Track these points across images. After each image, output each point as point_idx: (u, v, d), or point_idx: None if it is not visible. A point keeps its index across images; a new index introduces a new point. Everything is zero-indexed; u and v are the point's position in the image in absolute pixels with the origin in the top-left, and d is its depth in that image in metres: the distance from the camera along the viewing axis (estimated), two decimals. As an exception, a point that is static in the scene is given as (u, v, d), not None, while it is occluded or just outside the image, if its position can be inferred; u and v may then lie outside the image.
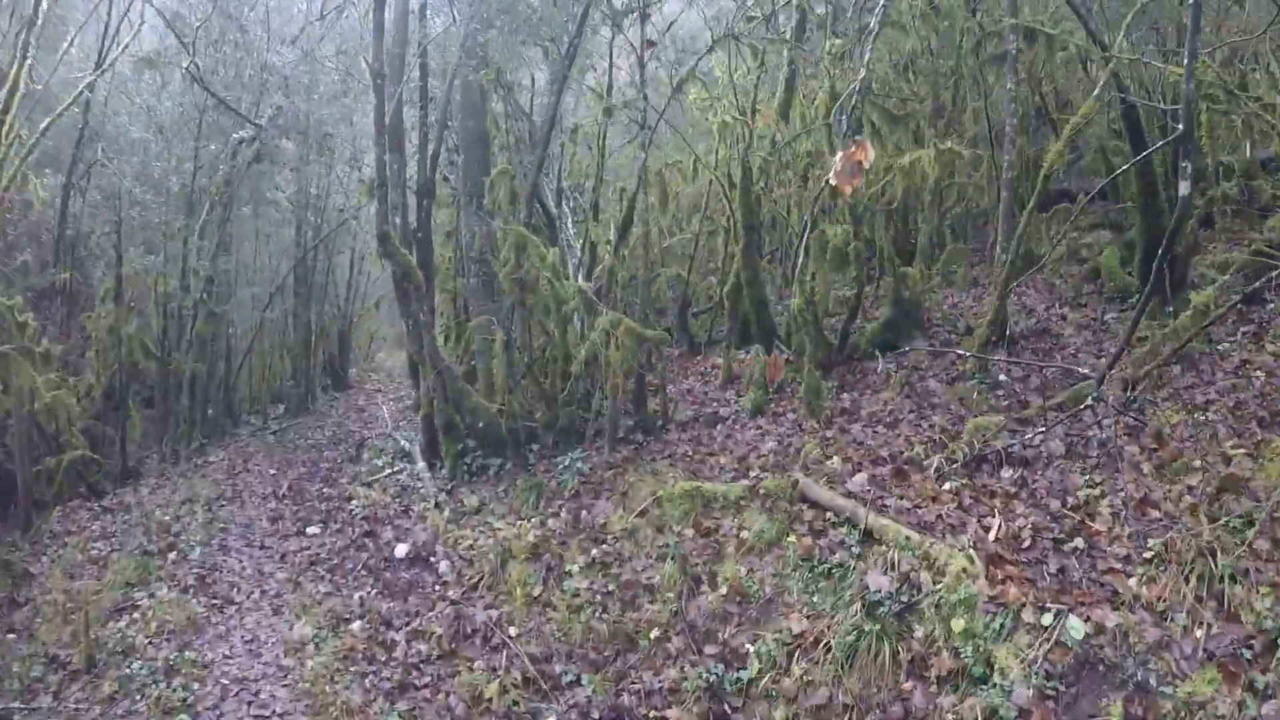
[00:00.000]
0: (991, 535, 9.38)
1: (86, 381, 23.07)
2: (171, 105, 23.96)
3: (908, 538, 9.37)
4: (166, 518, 16.40)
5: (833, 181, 6.32)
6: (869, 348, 15.65)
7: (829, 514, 10.51)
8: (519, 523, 12.80)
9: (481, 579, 11.84)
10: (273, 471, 20.51)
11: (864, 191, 14.66)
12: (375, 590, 12.33)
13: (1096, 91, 12.43)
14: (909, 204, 17.82)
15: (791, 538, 10.27)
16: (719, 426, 14.69)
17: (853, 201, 14.66)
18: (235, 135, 25.38)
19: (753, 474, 12.22)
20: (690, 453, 13.82)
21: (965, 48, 17.37)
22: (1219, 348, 12.43)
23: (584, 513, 12.58)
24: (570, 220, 20.03)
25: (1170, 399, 11.49)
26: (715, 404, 16.15)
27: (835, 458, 11.86)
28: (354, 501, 16.19)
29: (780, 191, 18.95)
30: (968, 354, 13.44)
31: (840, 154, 6.29)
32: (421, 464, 16.98)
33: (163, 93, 23.98)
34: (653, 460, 13.83)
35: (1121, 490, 9.67)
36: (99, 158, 22.21)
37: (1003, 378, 13.46)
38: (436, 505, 14.71)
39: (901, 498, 10.52)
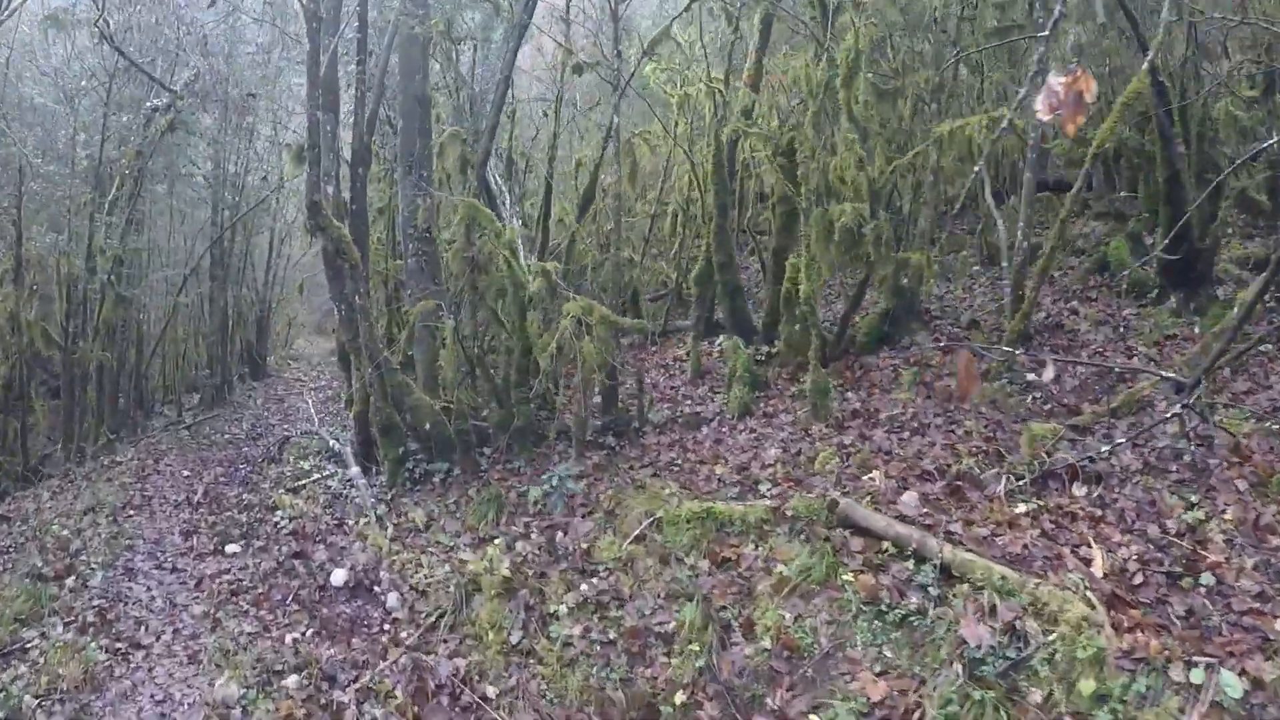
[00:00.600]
0: (1097, 570, 7.39)
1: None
2: (79, 69, 21.28)
3: (1002, 577, 7.25)
4: (65, 531, 13.91)
5: (1044, 118, 4.19)
6: (866, 341, 13.67)
7: (884, 544, 8.37)
8: (482, 547, 10.45)
9: (441, 617, 9.49)
10: (186, 473, 18.00)
11: (885, 167, 12.64)
12: (311, 629, 9.89)
13: (1146, 65, 10.39)
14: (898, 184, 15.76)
15: (847, 575, 8.09)
16: (703, 429, 12.69)
17: (860, 178, 12.66)
18: (149, 104, 22.85)
19: (763, 489, 10.22)
20: (677, 460, 11.76)
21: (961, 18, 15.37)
22: (1263, 349, 10.82)
23: (560, 534, 10.39)
24: (508, 198, 17.81)
25: (1230, 406, 9.76)
26: (689, 402, 14.08)
27: (876, 473, 9.78)
28: (279, 512, 13.76)
29: (763, 167, 16.73)
30: (1022, 353, 11.79)
31: (1056, 83, 4.16)
32: (355, 469, 14.54)
33: (70, 56, 21.36)
34: (630, 469, 11.75)
35: (1224, 511, 7.94)
36: (-6, 124, 19.44)
37: (1031, 377, 11.57)
38: (376, 520, 12.34)
39: (970, 523, 8.49)
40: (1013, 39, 14.67)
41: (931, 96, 14.95)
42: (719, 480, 10.81)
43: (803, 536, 8.84)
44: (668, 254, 21.58)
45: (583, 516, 10.67)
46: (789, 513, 9.20)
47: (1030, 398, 11.16)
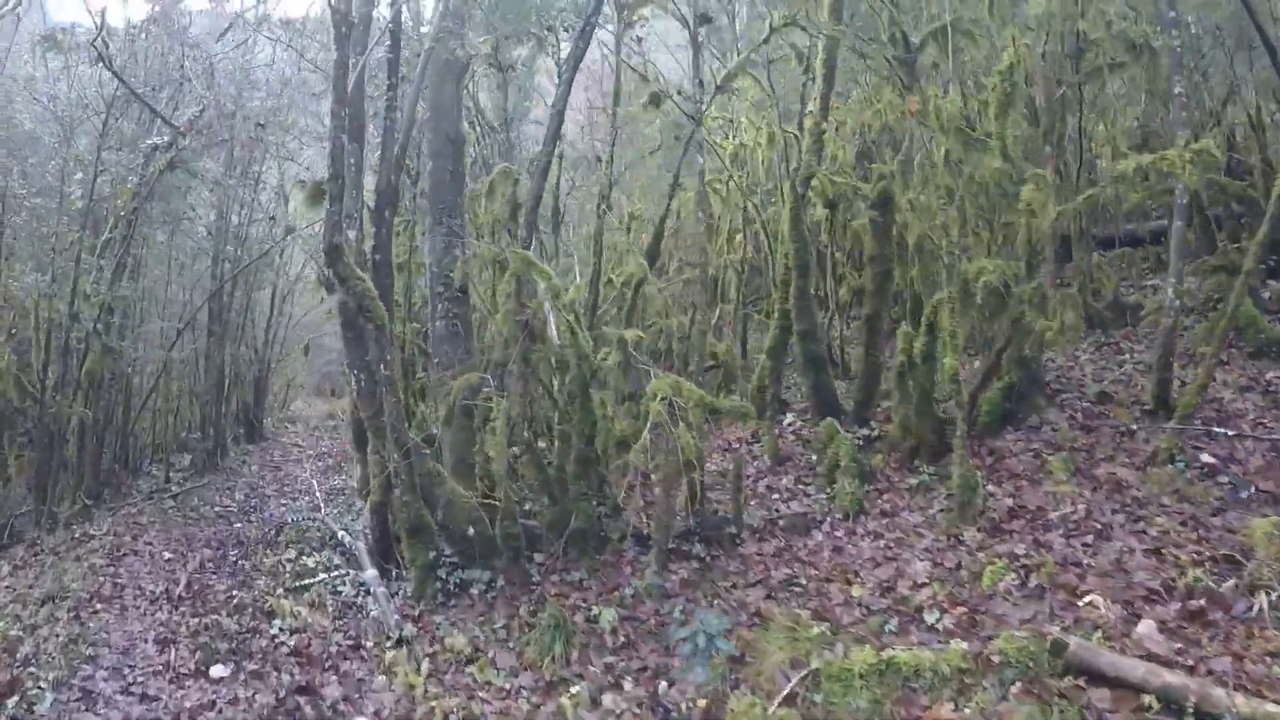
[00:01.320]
0: None
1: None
2: (75, 97, 18.88)
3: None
4: (16, 630, 11.19)
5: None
6: (989, 421, 11.15)
7: (1145, 698, 5.82)
8: (553, 695, 7.77)
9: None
10: (169, 555, 15.24)
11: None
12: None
13: None
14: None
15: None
16: (813, 534, 10.04)
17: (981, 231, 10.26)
18: (148, 141, 20.39)
19: (928, 618, 7.70)
20: (795, 577, 9.11)
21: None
22: None
23: (663, 684, 7.62)
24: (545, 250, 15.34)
25: None
26: (778, 497, 11.45)
27: (1095, 597, 7.17)
28: (277, 622, 10.94)
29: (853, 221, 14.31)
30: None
31: None
32: (371, 571, 11.58)
33: (67, 80, 19.02)
34: (733, 587, 9.08)
35: None
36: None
37: (1206, 458, 9.31)
38: (402, 643, 9.51)
39: (1239, 657, 6.16)
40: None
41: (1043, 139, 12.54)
42: (859, 605, 8.29)
43: (1023, 691, 6.25)
44: (708, 321, 19.04)
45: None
46: (995, 658, 6.63)
47: (1215, 483, 8.81)
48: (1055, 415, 11.17)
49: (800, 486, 11.63)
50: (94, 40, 16.67)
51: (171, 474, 23.02)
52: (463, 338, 12.18)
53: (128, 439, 22.96)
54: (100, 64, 17.50)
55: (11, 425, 19.29)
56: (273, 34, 20.38)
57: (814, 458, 12.07)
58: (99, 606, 12.38)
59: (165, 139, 20.35)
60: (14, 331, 18.14)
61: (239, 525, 18.32)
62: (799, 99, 15.07)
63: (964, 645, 7.02)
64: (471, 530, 10.46)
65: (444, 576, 10.57)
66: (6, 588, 13.61)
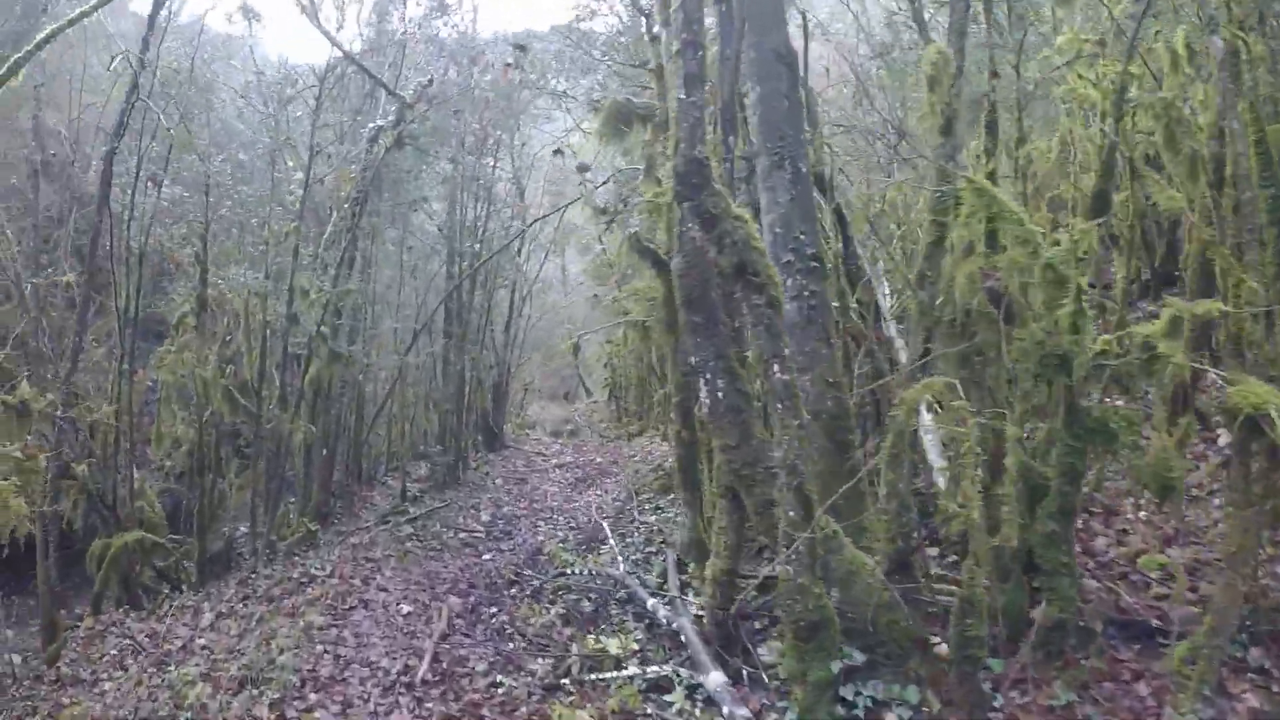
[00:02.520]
0: None
1: (173, 434, 15.97)
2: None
3: None
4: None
5: None
6: None
7: None
8: None
9: None
10: (407, 609, 11.55)
11: None
12: None
13: None
14: None
15: None
16: None
17: None
18: (372, 123, 17.11)
19: None
20: None
21: None
22: None
23: None
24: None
25: None
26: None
27: None
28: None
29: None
30: None
31: None
32: (715, 676, 7.19)
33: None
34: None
35: None
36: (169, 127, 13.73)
37: None
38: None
39: None
40: None
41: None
42: None
43: None
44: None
45: None
46: None
47: None
48: None
49: None
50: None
51: (408, 485, 19.58)
52: (820, 324, 7.83)
53: (360, 450, 19.58)
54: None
55: (231, 440, 16.12)
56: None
57: None
58: (312, 698, 8.64)
59: (390, 118, 17.02)
60: (228, 339, 14.85)
61: (488, 556, 14.70)
62: None
63: None
64: (881, 624, 6.06)
65: (852, 703, 6.22)
66: (203, 648, 10.33)
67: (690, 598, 9.89)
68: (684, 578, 10.54)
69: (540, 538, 15.87)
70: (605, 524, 14.66)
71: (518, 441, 30.17)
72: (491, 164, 22.70)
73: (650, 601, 9.73)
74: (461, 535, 16.20)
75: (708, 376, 7.22)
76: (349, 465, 19.60)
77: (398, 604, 11.77)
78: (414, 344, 19.59)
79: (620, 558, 12.13)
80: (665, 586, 10.57)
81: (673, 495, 16.57)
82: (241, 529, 16.29)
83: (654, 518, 15.28)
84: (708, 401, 7.35)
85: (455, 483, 20.62)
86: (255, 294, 14.21)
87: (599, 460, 25.50)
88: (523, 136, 25.15)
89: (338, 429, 18.91)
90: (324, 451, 17.97)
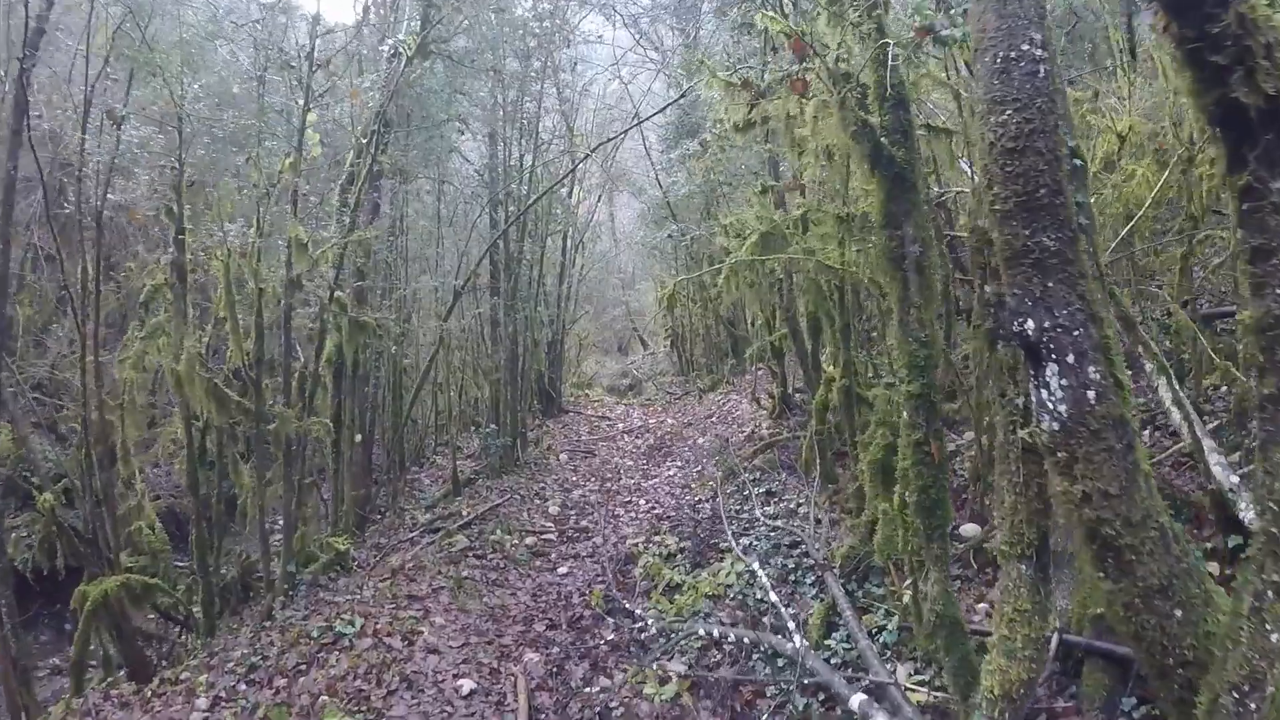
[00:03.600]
0: None
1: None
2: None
3: None
4: None
5: None
6: None
7: None
8: None
9: None
10: (468, 688, 7.81)
11: None
12: None
13: None
14: None
15: None
16: None
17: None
18: (389, 40, 13.27)
19: None
20: None
21: None
22: None
23: None
24: None
25: None
26: None
27: None
28: None
29: None
30: None
31: None
32: None
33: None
34: None
35: None
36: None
37: None
38: None
39: None
40: None
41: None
42: None
43: None
44: None
45: None
46: None
47: None
48: None
49: None
50: None
51: (459, 468, 15.88)
52: None
53: (402, 432, 15.84)
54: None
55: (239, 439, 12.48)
56: None
57: None
58: None
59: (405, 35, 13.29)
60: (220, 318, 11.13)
61: (564, 571, 11.09)
62: None
63: None
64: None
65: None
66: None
67: (901, 676, 6.10)
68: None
69: (626, 536, 12.13)
70: (729, 532, 10.80)
71: (577, 404, 26.27)
72: (537, 91, 18.64)
73: (854, 700, 5.85)
74: (528, 541, 12.48)
75: (1062, 358, 3.34)
76: (390, 450, 15.86)
77: (454, 677, 8.02)
78: (455, 305, 15.65)
79: (782, 606, 8.19)
80: (852, 653, 6.76)
81: (783, 472, 12.73)
82: (254, 551, 12.73)
83: (771, 507, 11.42)
84: (1063, 406, 3.42)
85: (514, 465, 16.85)
86: (241, 254, 10.37)
87: (671, 422, 21.67)
88: (571, 59, 21.00)
89: (373, 411, 15.18)
90: (358, 440, 14.24)
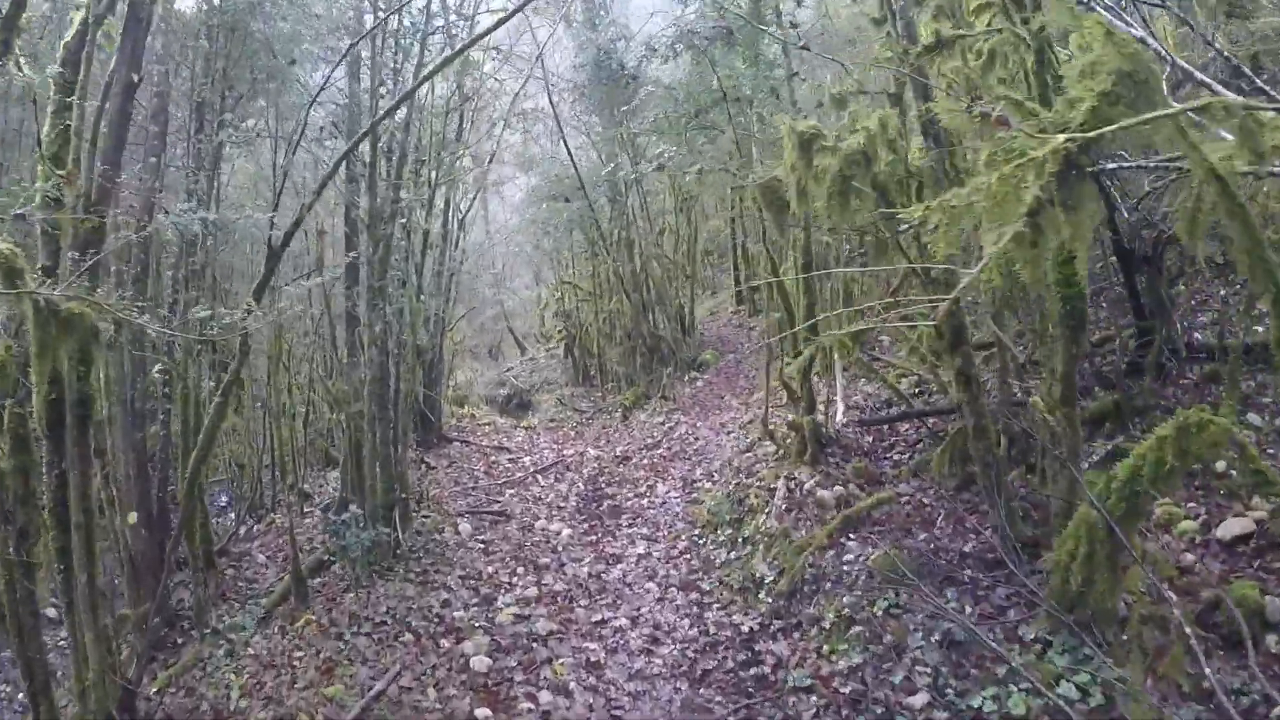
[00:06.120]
0: None
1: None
2: None
3: None
4: None
5: None
6: None
7: None
8: None
9: None
10: None
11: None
12: None
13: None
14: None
15: None
16: None
17: None
18: None
19: None
20: None
21: None
22: None
23: None
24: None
25: None
26: None
27: None
28: None
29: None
30: None
31: None
32: None
33: None
34: None
35: None
36: None
37: None
38: None
39: None
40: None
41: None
42: None
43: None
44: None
45: None
46: None
47: None
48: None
49: None
50: None
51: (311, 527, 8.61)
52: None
53: (194, 504, 8.13)
54: None
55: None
56: None
57: None
58: None
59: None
60: None
61: None
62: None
63: None
64: None
65: None
66: None
67: None
68: None
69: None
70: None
71: (462, 429, 18.17)
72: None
73: None
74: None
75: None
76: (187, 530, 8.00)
77: None
78: (270, 275, 7.25)
79: None
80: None
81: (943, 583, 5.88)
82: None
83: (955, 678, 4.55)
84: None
85: (392, 558, 9.14)
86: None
87: (595, 454, 14.46)
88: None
89: (164, 466, 7.47)
90: (131, 521, 6.62)
